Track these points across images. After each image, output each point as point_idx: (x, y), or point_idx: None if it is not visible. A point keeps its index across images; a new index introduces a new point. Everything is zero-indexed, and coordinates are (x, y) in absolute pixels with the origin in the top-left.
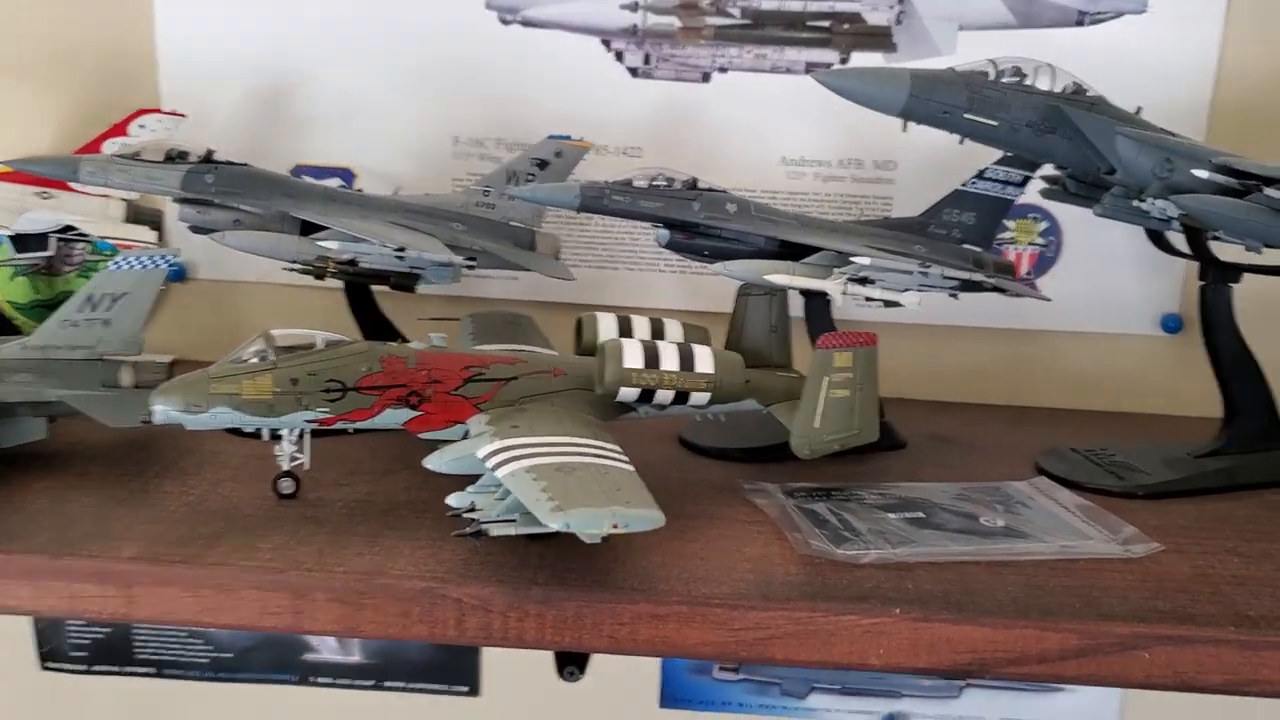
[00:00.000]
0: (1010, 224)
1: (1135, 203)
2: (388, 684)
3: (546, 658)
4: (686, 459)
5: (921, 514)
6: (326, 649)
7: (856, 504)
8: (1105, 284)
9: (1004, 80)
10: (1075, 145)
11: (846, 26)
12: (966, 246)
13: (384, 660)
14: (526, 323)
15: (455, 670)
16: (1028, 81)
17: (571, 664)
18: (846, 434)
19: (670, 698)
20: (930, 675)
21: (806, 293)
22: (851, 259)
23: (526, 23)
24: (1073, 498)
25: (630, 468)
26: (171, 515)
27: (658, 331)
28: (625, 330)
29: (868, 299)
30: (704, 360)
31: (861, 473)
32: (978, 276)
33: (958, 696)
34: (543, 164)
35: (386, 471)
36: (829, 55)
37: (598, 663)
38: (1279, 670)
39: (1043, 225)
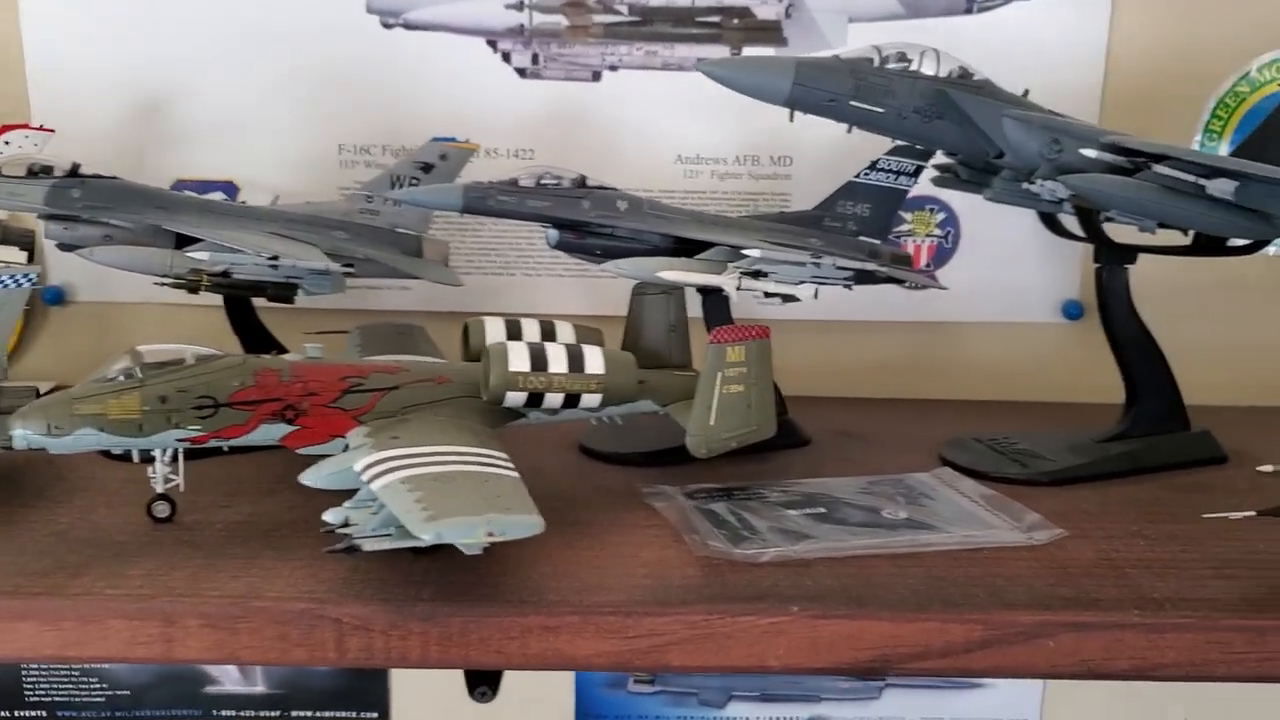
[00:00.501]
0: (908, 216)
1: (1025, 185)
2: (294, 713)
3: (457, 678)
4: (586, 465)
5: (824, 509)
6: (229, 680)
7: (758, 502)
8: (1005, 273)
9: (889, 66)
10: (964, 130)
11: (736, 21)
12: (863, 238)
13: (290, 689)
14: (417, 333)
15: (364, 696)
16: (913, 67)
17: (483, 684)
18: (744, 430)
19: (585, 714)
20: (832, 674)
21: (704, 290)
22: (742, 252)
23: (409, 25)
24: (976, 487)
25: (514, 474)
26: (36, 546)
27: (548, 333)
28: (514, 333)
29: (766, 294)
30: (594, 361)
31: (765, 471)
32: (870, 266)
33: (878, 697)
34: (427, 167)
35: (270, 491)
36: (720, 50)
37: (510, 681)
38: (1185, 653)
39: (940, 216)
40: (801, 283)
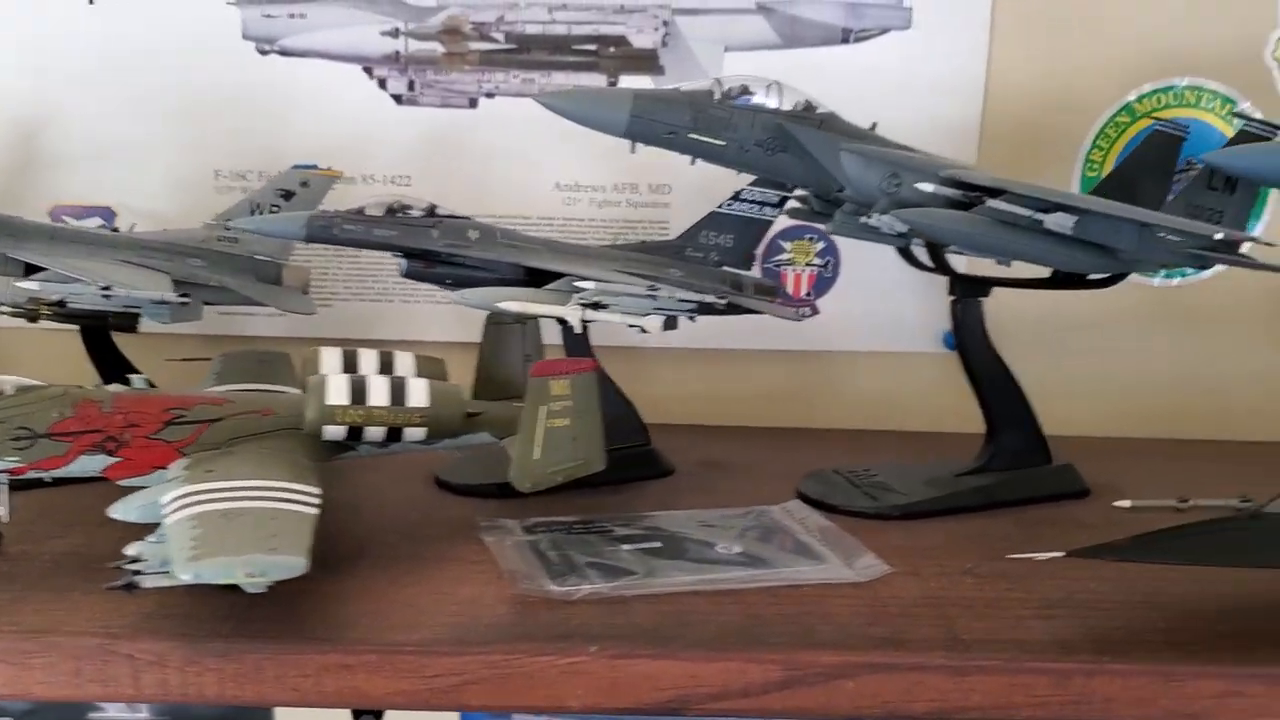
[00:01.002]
0: (787, 245)
1: (863, 219)
2: None
3: (343, 714)
4: (435, 498)
5: (659, 544)
6: (113, 709)
7: (595, 536)
8: (886, 303)
9: (730, 99)
10: (806, 164)
11: (613, 50)
12: (726, 269)
13: (175, 716)
14: (281, 361)
15: None
16: (755, 100)
17: (367, 716)
18: (570, 464)
19: None
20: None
21: (561, 320)
22: (575, 285)
23: (285, 52)
24: (820, 521)
25: (311, 511)
26: None
27: (385, 365)
28: (350, 364)
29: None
30: (417, 394)
31: (617, 503)
32: (709, 298)
33: None
34: (288, 194)
35: (103, 523)
36: (596, 79)
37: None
38: (989, 695)
39: (820, 245)
40: (649, 314)
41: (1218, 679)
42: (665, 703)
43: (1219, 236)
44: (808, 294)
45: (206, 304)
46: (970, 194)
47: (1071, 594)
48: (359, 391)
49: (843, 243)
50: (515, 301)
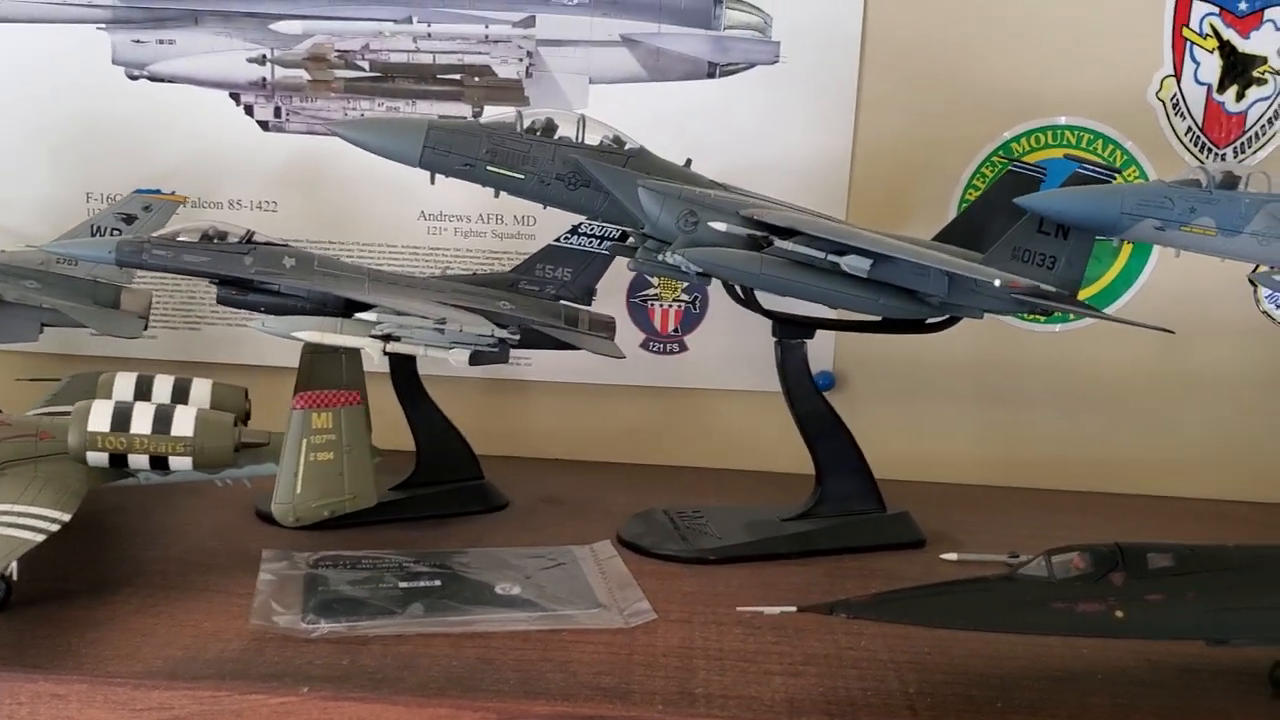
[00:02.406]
0: (654, 280)
1: (660, 257)
2: None
3: None
4: (249, 528)
5: (439, 583)
6: None
7: (375, 571)
8: (754, 341)
9: (533, 133)
10: (610, 199)
11: (477, 79)
12: (563, 302)
13: None
14: None
15: None
16: (560, 133)
17: None
18: (337, 500)
19: None
20: None
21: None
22: (356, 316)
23: (154, 77)
24: (618, 565)
25: (31, 536)
26: None
27: (181, 392)
28: (143, 390)
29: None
30: (183, 423)
31: (432, 538)
32: (502, 334)
33: None
34: (129, 219)
35: None
36: (461, 108)
37: None
38: None
39: (686, 282)
40: (451, 346)
41: None
42: None
43: (997, 283)
44: (674, 330)
45: (45, 325)
46: (765, 234)
47: (838, 651)
48: (122, 418)
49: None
50: (312, 331)
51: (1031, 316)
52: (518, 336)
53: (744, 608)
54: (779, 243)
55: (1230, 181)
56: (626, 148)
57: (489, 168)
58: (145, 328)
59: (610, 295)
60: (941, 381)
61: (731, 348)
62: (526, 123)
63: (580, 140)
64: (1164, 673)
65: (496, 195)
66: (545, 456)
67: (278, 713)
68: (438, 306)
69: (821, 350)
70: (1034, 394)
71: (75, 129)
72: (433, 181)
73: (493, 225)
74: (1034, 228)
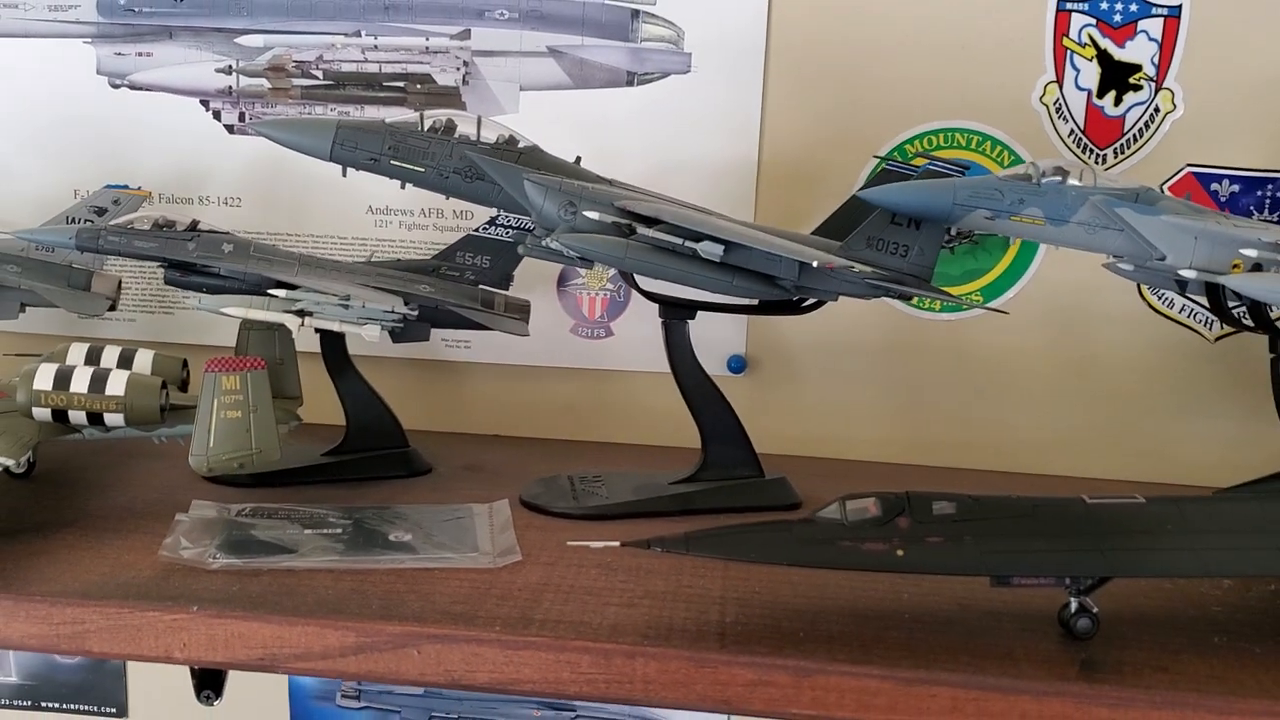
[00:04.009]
0: (582, 271)
1: (544, 242)
2: (44, 703)
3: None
4: (195, 487)
5: (339, 530)
6: None
7: (288, 520)
8: None
9: (433, 131)
10: (504, 191)
11: (419, 87)
12: (482, 287)
13: (40, 681)
14: None
15: (104, 692)
16: (460, 132)
17: (207, 688)
18: (244, 453)
19: None
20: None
21: (320, 330)
22: (269, 291)
23: (134, 86)
24: (506, 519)
25: None
26: None
27: (125, 359)
28: (93, 357)
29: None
30: (115, 384)
31: (349, 497)
32: (403, 310)
33: None
34: (100, 211)
35: None
36: (405, 112)
37: (231, 690)
38: (539, 670)
39: (612, 272)
40: (364, 322)
41: (749, 668)
42: (257, 659)
43: (815, 264)
44: (601, 316)
45: (25, 305)
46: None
47: (677, 589)
48: (63, 379)
49: None
50: (236, 307)
51: (926, 305)
52: (416, 313)
53: (573, 542)
54: (641, 230)
55: (1059, 175)
56: (520, 146)
57: (392, 162)
58: (113, 308)
59: (541, 284)
60: (848, 366)
61: (653, 333)
62: (428, 123)
63: (476, 138)
64: (968, 614)
65: (403, 187)
66: (480, 433)
67: (171, 628)
68: (345, 285)
69: (734, 335)
70: (935, 378)
71: (64, 133)
72: (344, 174)
73: (434, 219)
74: (887, 219)
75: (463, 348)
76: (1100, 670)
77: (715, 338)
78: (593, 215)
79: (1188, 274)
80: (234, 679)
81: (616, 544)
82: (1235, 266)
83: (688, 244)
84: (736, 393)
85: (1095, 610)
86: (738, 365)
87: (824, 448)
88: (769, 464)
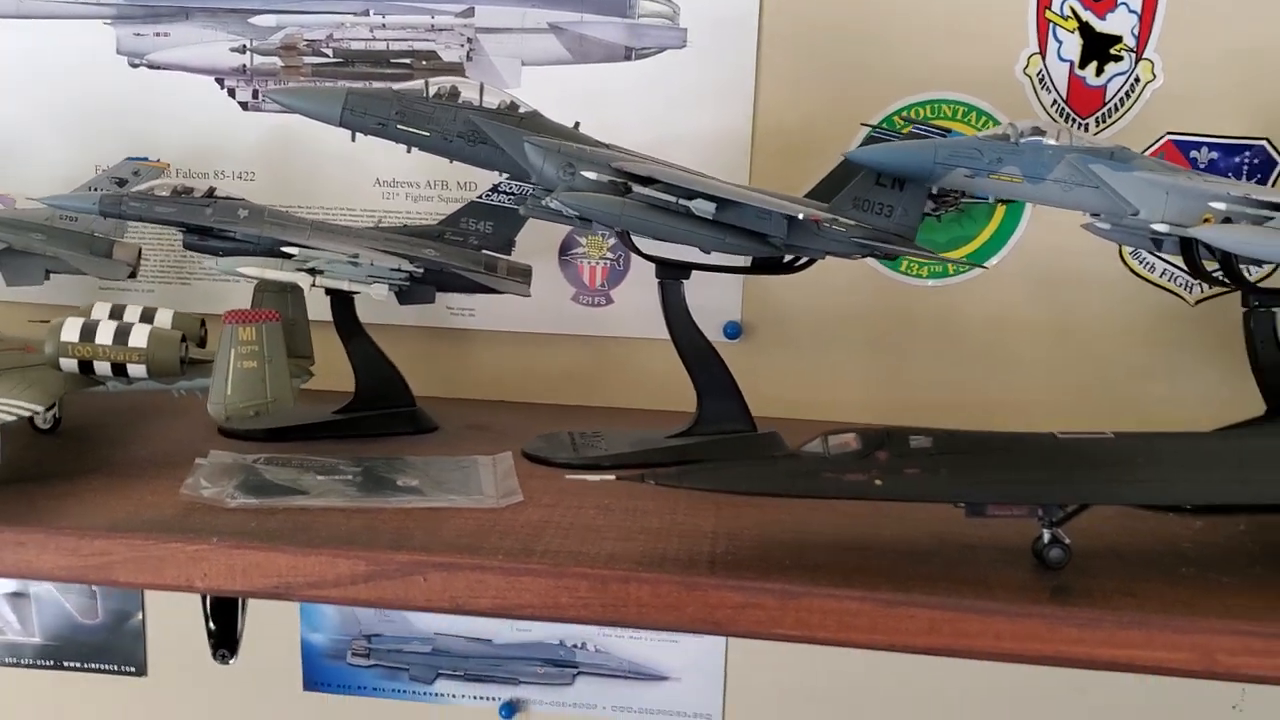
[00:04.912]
0: (582, 239)
1: (544, 201)
2: (66, 663)
3: (204, 640)
4: (214, 440)
5: (351, 476)
6: (11, 631)
7: (302, 469)
8: None
9: (438, 98)
10: (505, 155)
11: (425, 63)
12: (486, 252)
13: (63, 642)
14: None
15: (124, 652)
16: (463, 98)
17: (223, 647)
18: (260, 402)
19: (311, 681)
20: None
21: (330, 291)
22: (282, 250)
23: (152, 65)
24: (509, 466)
25: (8, 417)
26: None
27: (146, 317)
28: (116, 314)
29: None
30: (138, 337)
31: (359, 450)
32: (409, 268)
33: (571, 684)
34: (121, 183)
35: None
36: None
37: (245, 647)
38: (538, 595)
39: (612, 240)
40: (374, 281)
41: (737, 591)
42: (273, 587)
43: (800, 217)
44: (601, 285)
45: (50, 272)
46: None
47: (673, 525)
48: (89, 332)
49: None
50: (251, 267)
51: (913, 271)
52: (421, 271)
53: (571, 475)
54: (637, 188)
55: (1037, 135)
56: (520, 111)
57: (399, 126)
58: (133, 275)
59: (543, 253)
60: (839, 332)
61: (652, 300)
62: (433, 89)
63: (479, 104)
64: (946, 547)
65: (409, 151)
66: (485, 398)
67: (193, 558)
68: (354, 246)
69: (730, 302)
70: (922, 343)
71: (86, 110)
72: (353, 139)
73: (439, 190)
74: (872, 180)
75: (468, 315)
76: (1071, 595)
77: (712, 305)
78: (590, 175)
79: (1160, 228)
80: (248, 639)
81: (612, 477)
82: (1206, 220)
83: (681, 202)
84: (732, 358)
85: (1067, 542)
86: (734, 331)
87: (815, 410)
88: (763, 426)
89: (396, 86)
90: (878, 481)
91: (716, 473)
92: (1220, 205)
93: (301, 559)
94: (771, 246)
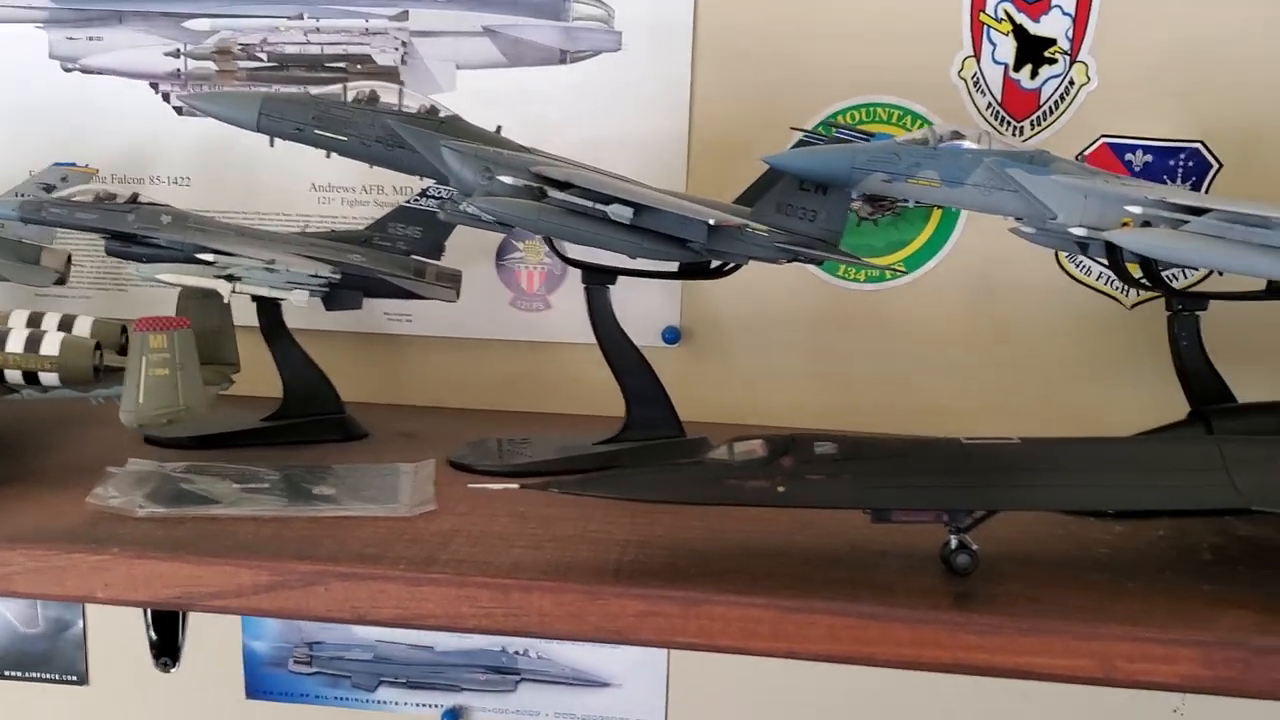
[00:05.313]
0: (519, 245)
1: (461, 206)
2: (7, 673)
3: (147, 650)
4: (138, 449)
5: (268, 485)
6: None
7: (220, 476)
8: (614, 300)
9: (357, 102)
10: (424, 159)
11: (359, 67)
12: (414, 257)
13: (3, 651)
14: None
15: (64, 661)
16: (384, 102)
17: (165, 655)
18: (173, 409)
19: (253, 689)
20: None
21: (256, 298)
22: (197, 256)
23: (85, 70)
24: (429, 475)
25: None
26: None
27: (65, 324)
28: (34, 321)
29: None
30: (50, 345)
31: (285, 458)
32: (325, 273)
33: (514, 691)
34: (49, 188)
35: None
36: None
37: (187, 655)
38: (439, 605)
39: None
40: (293, 287)
41: (639, 599)
42: (175, 597)
43: (711, 222)
44: (539, 290)
45: None
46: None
47: (584, 533)
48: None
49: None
50: (170, 274)
51: (851, 275)
52: (339, 277)
53: (473, 484)
54: (553, 193)
55: (957, 139)
56: (441, 115)
57: (316, 131)
58: (62, 281)
59: (481, 258)
60: (778, 336)
61: None
62: (351, 94)
63: (399, 108)
64: (858, 553)
65: (328, 156)
66: (421, 404)
67: (95, 568)
68: (272, 251)
69: (669, 307)
70: (860, 347)
71: (19, 115)
72: (272, 144)
73: (375, 195)
74: (796, 185)
75: (405, 321)
76: (974, 601)
77: (650, 310)
78: (508, 180)
79: (1077, 231)
80: (190, 647)
81: (515, 485)
82: (1125, 224)
83: (598, 207)
84: (671, 363)
85: (975, 548)
86: (672, 336)
87: (755, 415)
88: (701, 431)
89: (315, 91)
90: (780, 488)
91: (620, 480)
92: (1136, 209)
93: (203, 569)
94: (692, 252)
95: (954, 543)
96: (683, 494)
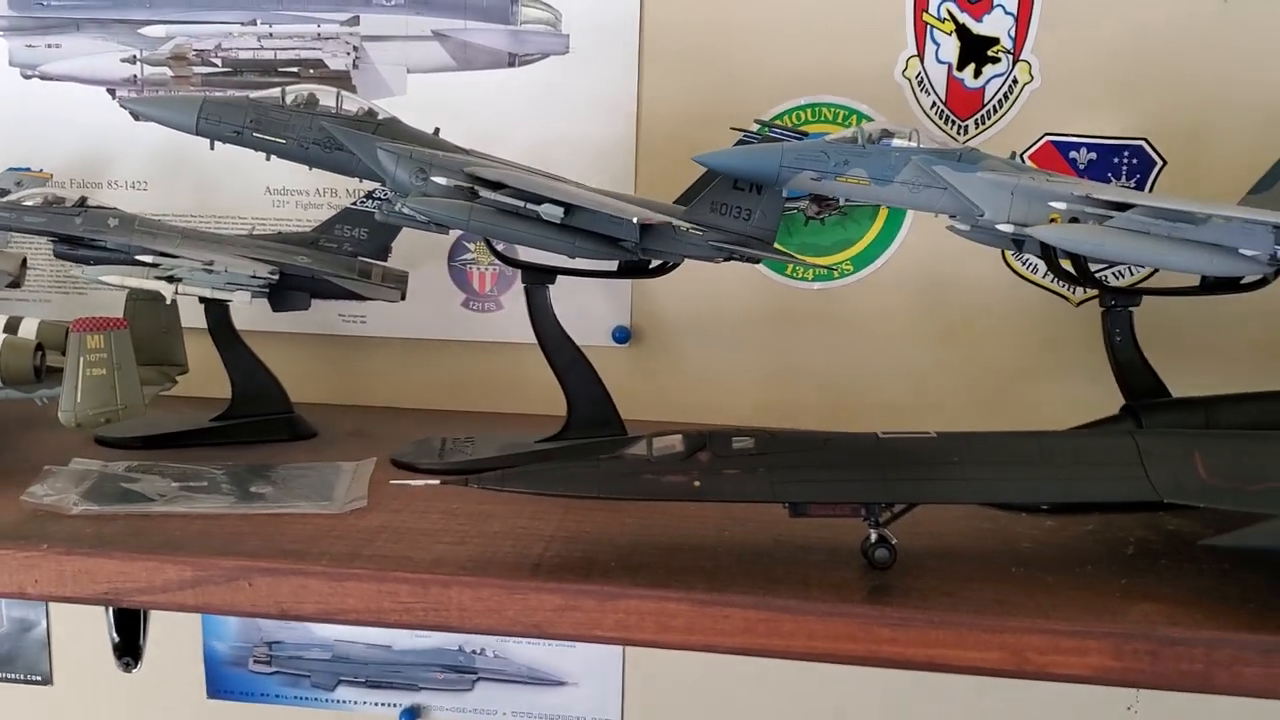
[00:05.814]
0: (470, 245)
1: (396, 207)
2: None
3: (108, 650)
4: (87, 450)
5: (205, 484)
6: None
7: (160, 476)
8: (566, 300)
9: (295, 105)
10: (360, 161)
11: (312, 72)
12: (360, 258)
13: None
14: None
15: (28, 661)
16: (322, 105)
17: (127, 655)
18: (110, 409)
19: (214, 689)
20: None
21: (204, 300)
22: (136, 257)
23: (44, 76)
24: (366, 474)
25: None
26: None
27: (11, 326)
28: (12, 327)
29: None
30: None
31: (232, 458)
32: (263, 274)
33: (471, 689)
34: (3, 193)
35: None
36: None
37: (149, 655)
38: (360, 600)
39: (500, 245)
40: (235, 288)
41: (556, 594)
42: (103, 593)
43: (635, 221)
44: (491, 290)
45: None
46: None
47: (512, 529)
48: None
49: None
50: (114, 276)
51: (804, 275)
52: (277, 277)
53: (396, 481)
54: (484, 193)
55: (886, 138)
56: (379, 118)
57: (255, 134)
58: (16, 284)
59: (432, 259)
60: (727, 334)
61: None
62: (290, 97)
63: (336, 111)
64: (781, 548)
65: (268, 159)
66: (375, 404)
67: (24, 565)
68: (213, 253)
69: (619, 307)
70: (809, 345)
71: None
72: (212, 147)
73: (328, 198)
74: (730, 184)
75: (359, 322)
76: (890, 595)
77: (600, 309)
78: (441, 180)
79: (1004, 228)
80: (151, 646)
81: (436, 481)
82: (1053, 220)
83: (529, 207)
84: (621, 362)
85: (894, 542)
86: (622, 336)
87: (705, 414)
88: (652, 429)
89: (253, 95)
90: (696, 483)
91: (537, 476)
92: (1060, 205)
93: (129, 565)
94: (624, 250)
95: (874, 537)
96: (599, 489)
